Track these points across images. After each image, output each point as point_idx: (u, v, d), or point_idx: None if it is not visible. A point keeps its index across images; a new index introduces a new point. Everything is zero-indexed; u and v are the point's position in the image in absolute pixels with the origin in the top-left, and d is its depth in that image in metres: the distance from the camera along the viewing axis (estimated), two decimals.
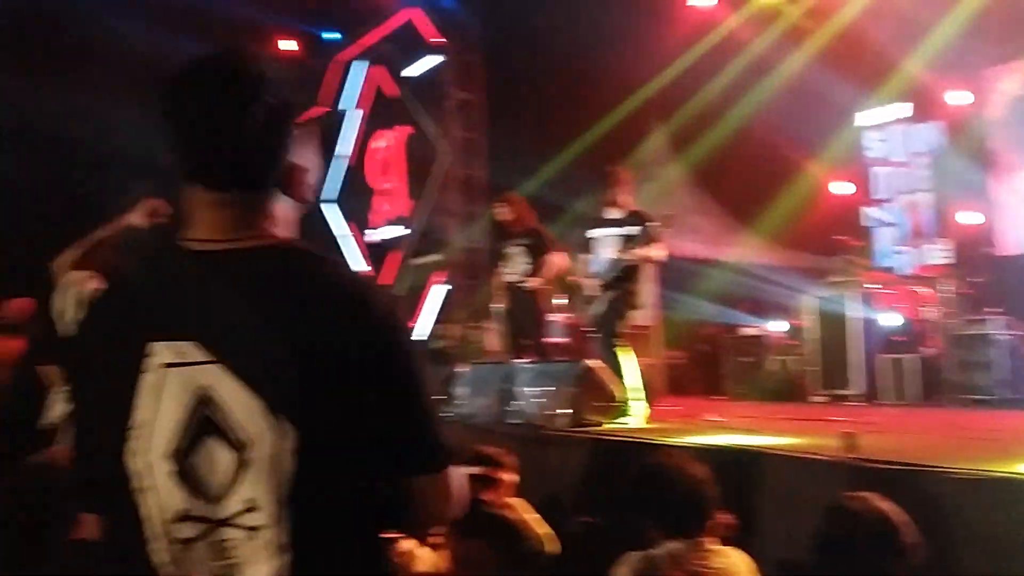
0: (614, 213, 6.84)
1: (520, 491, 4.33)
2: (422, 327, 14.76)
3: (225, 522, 1.37)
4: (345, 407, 1.41)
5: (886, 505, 2.70)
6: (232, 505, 1.37)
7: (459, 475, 1.59)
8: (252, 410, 1.36)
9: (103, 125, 12.66)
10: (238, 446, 1.36)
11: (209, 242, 1.47)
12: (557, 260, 7.92)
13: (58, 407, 2.96)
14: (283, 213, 1.55)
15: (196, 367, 1.37)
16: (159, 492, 1.38)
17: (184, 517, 1.38)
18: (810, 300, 10.25)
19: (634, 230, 6.65)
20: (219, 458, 1.37)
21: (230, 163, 1.47)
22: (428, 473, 1.54)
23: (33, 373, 4.05)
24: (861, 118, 13.64)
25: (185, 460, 1.37)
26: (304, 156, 1.58)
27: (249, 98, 1.46)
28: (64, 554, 2.36)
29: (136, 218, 2.68)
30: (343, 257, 16.89)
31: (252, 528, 1.37)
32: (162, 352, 1.38)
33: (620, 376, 6.59)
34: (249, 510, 1.37)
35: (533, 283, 7.81)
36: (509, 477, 4.23)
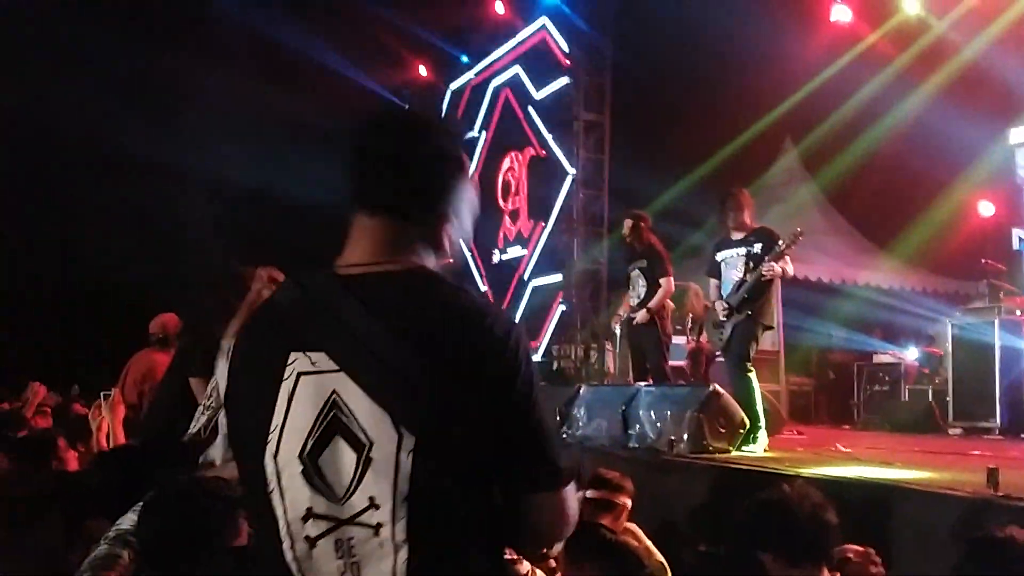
0: (738, 234, 6.69)
1: (637, 517, 4.27)
2: (543, 347, 14.80)
3: (349, 520, 1.47)
4: (462, 420, 1.48)
5: None
6: (356, 503, 1.46)
7: (573, 496, 1.64)
8: (375, 415, 1.47)
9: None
10: (361, 446, 1.46)
11: (353, 267, 1.61)
12: (666, 286, 7.80)
13: (203, 419, 3.09)
14: (425, 257, 1.67)
15: (326, 375, 1.50)
16: (291, 491, 1.49)
17: (312, 515, 1.48)
18: (950, 327, 9.74)
19: (758, 248, 6.49)
20: (344, 457, 1.47)
21: (394, 190, 1.64)
22: (544, 491, 1.59)
23: (181, 386, 4.22)
24: (1016, 135, 12.96)
25: (314, 460, 1.48)
26: (461, 211, 1.73)
27: (424, 137, 1.68)
28: (218, 561, 2.45)
29: (264, 288, 2.82)
30: (470, 280, 17.21)
31: (373, 526, 1.45)
32: (299, 361, 1.52)
33: (749, 402, 6.40)
34: (370, 507, 1.45)
35: (641, 317, 7.72)
36: (627, 502, 4.18)
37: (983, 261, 10.80)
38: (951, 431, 9.32)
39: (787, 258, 6.47)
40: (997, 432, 8.84)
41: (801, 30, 12.69)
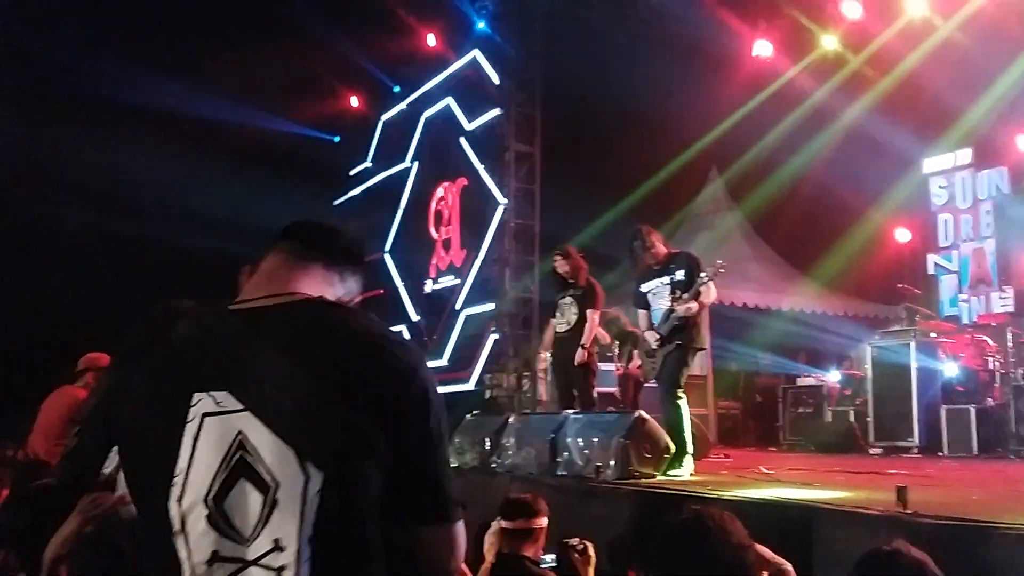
0: (655, 263, 6.83)
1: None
2: (476, 376, 14.80)
3: (254, 562, 1.44)
4: (369, 455, 1.48)
5: (919, 554, 2.64)
6: (260, 545, 1.44)
7: (462, 530, 1.66)
8: (281, 454, 1.44)
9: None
10: (267, 487, 1.44)
11: (248, 301, 1.60)
12: (596, 320, 7.91)
13: (118, 459, 3.03)
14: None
15: (231, 415, 1.46)
16: (195, 535, 1.45)
17: (218, 559, 1.45)
18: (869, 350, 10.03)
19: (680, 274, 6.63)
20: (250, 499, 1.44)
21: (312, 235, 1.76)
22: (442, 523, 1.61)
23: (101, 421, 4.13)
24: (928, 165, 13.47)
25: (219, 503, 1.45)
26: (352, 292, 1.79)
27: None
28: None
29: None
30: (402, 309, 17.15)
31: (276, 569, 1.43)
32: (203, 402, 1.48)
33: (679, 428, 6.50)
34: (275, 550, 1.43)
35: (579, 358, 7.77)
36: (544, 522, 4.15)
37: (900, 286, 11.18)
38: (872, 451, 9.59)
39: (710, 284, 6.62)
40: (916, 451, 9.13)
41: (725, 64, 13.06)
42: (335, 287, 1.73)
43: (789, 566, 3.16)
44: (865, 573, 2.54)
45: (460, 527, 1.63)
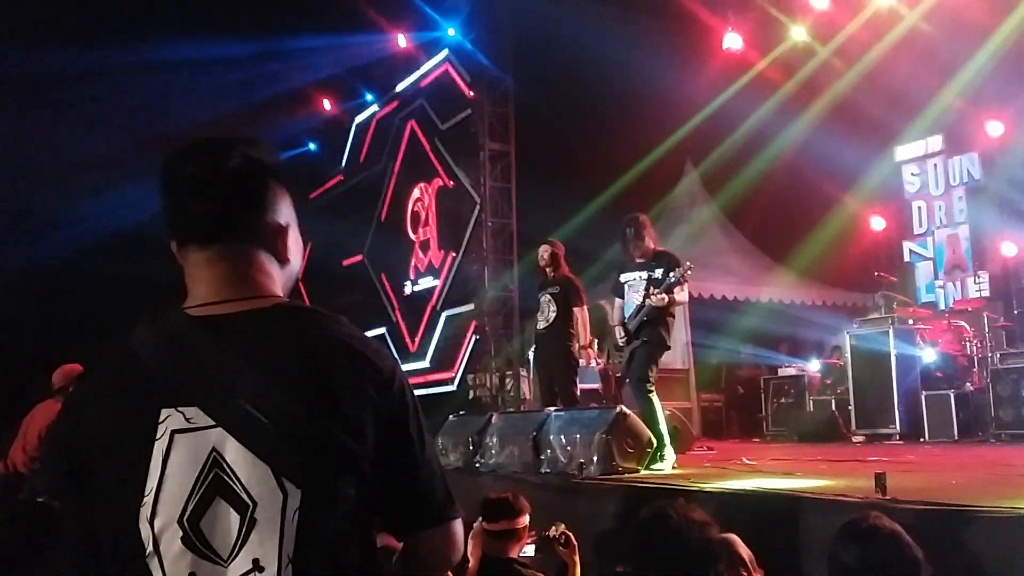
0: (640, 257, 6.85)
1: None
2: (458, 377, 14.80)
3: None
4: (349, 467, 1.44)
5: (892, 524, 2.69)
6: (239, 566, 1.39)
7: (460, 526, 1.64)
8: (257, 472, 1.40)
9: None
10: (245, 506, 1.39)
11: (208, 306, 1.51)
12: (582, 317, 7.93)
13: None
14: (274, 273, 1.60)
15: (203, 431, 1.41)
16: (170, 557, 1.40)
17: None
18: (848, 338, 10.09)
19: (659, 272, 6.65)
20: (227, 519, 1.40)
21: (212, 213, 1.53)
22: (439, 525, 1.59)
23: (66, 437, 4.09)
24: (901, 152, 13.59)
25: (195, 523, 1.40)
26: (287, 216, 1.62)
27: (226, 153, 1.55)
28: None
29: None
30: (383, 312, 17.11)
31: None
32: (172, 418, 1.42)
33: (653, 422, 6.53)
34: (254, 570, 1.39)
35: (586, 358, 7.83)
36: (526, 520, 4.12)
37: (876, 273, 11.24)
38: (854, 439, 9.64)
39: (683, 286, 6.65)
40: (897, 437, 9.19)
41: (696, 58, 13.09)
42: (276, 268, 1.61)
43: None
44: (844, 544, 2.58)
45: (458, 524, 1.62)
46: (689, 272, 6.59)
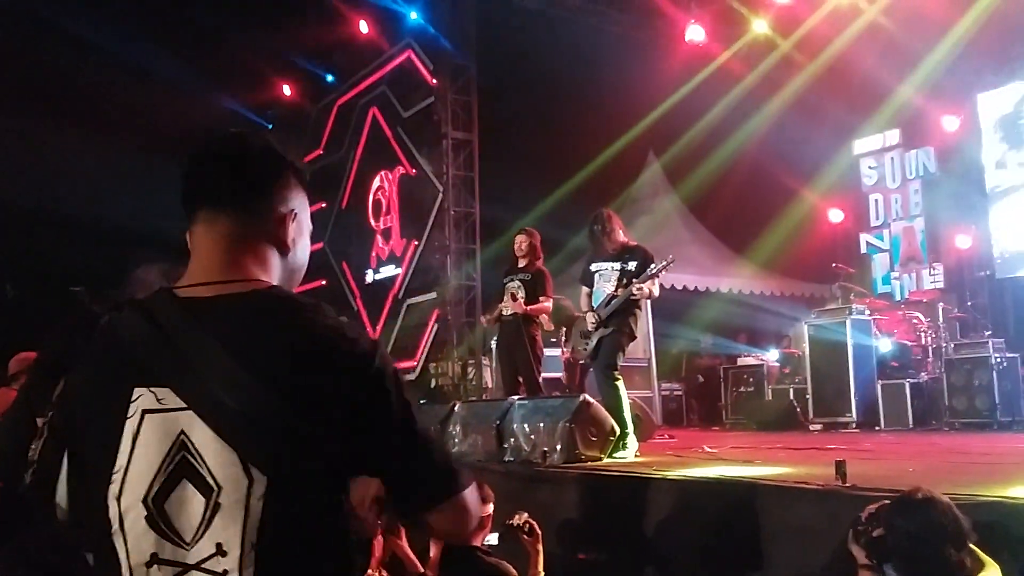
0: (611, 249, 6.88)
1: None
2: (420, 366, 14.77)
3: (195, 566, 1.39)
4: (320, 456, 1.43)
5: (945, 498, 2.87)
6: (202, 549, 1.39)
7: (473, 489, 1.62)
8: (224, 457, 1.39)
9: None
10: (209, 490, 1.39)
11: (194, 287, 1.52)
12: (547, 306, 7.94)
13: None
14: (271, 262, 1.62)
15: (173, 413, 1.40)
16: (134, 535, 1.40)
17: (157, 561, 1.39)
18: (806, 328, 10.22)
19: (633, 265, 6.69)
20: (192, 502, 1.39)
21: (228, 176, 1.59)
22: (448, 498, 1.57)
23: (29, 425, 4.01)
24: (859, 146, 13.78)
25: (159, 504, 1.39)
26: (298, 208, 1.65)
27: (254, 136, 1.66)
28: None
29: None
30: (343, 301, 17.01)
31: (219, 573, 1.38)
32: (144, 397, 1.42)
33: (618, 409, 6.57)
34: (217, 554, 1.38)
35: (515, 307, 7.83)
36: (491, 508, 4.15)
37: (834, 265, 11.41)
38: (812, 427, 9.78)
39: (657, 280, 6.71)
40: (854, 426, 9.34)
41: (659, 50, 13.17)
42: (275, 254, 1.63)
43: None
44: (906, 513, 2.80)
45: (465, 495, 1.59)
46: (672, 264, 6.64)
